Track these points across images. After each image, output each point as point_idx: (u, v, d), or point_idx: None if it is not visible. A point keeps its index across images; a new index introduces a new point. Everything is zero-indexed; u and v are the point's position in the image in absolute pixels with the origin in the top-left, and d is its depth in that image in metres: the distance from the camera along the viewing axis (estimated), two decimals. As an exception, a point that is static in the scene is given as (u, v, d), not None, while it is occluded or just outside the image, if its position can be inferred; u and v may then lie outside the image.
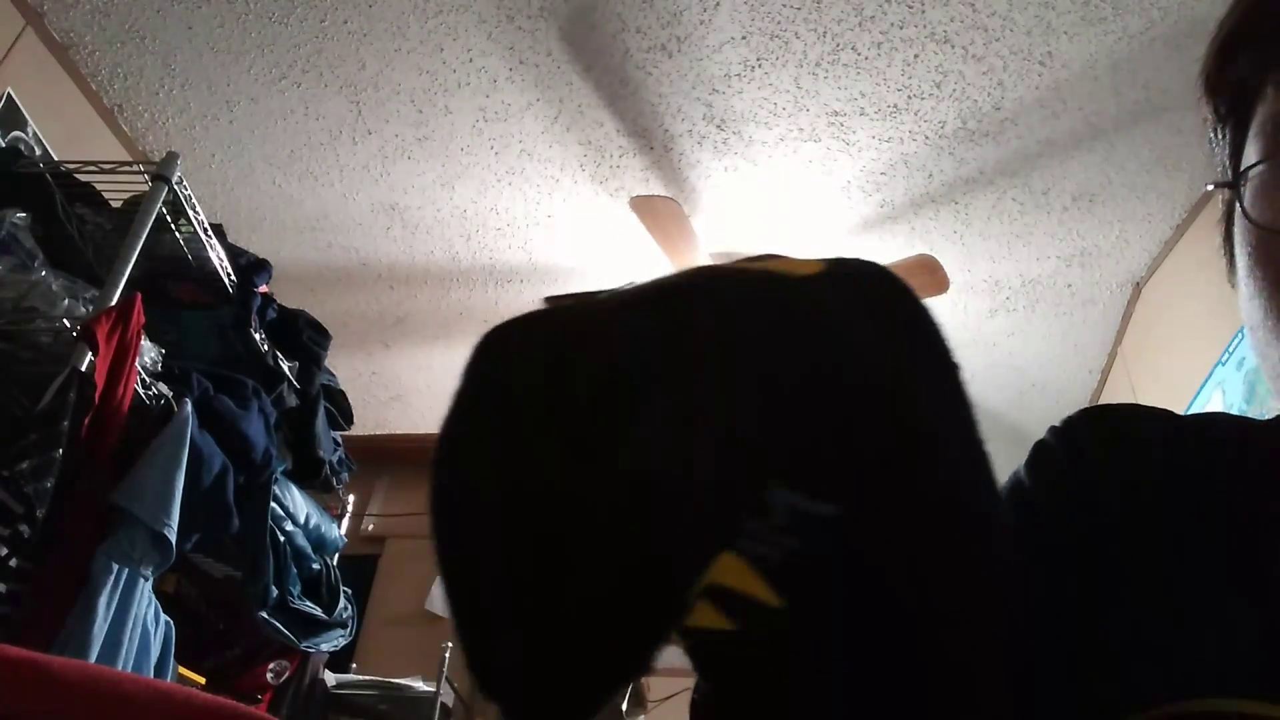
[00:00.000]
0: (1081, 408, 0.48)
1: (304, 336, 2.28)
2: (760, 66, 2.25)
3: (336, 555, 2.35)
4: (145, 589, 1.60)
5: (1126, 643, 0.35)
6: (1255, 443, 0.43)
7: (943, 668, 0.20)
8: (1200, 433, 0.44)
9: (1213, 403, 2.24)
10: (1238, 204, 0.40)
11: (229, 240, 2.16)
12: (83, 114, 2.51)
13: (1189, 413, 0.47)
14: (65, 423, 1.47)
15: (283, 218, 2.91)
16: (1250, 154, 0.40)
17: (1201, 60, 0.44)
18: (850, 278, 0.24)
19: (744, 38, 2.18)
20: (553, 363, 0.23)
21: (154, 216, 1.80)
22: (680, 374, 0.22)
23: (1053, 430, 0.47)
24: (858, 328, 0.22)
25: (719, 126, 2.43)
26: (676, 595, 0.20)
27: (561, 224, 2.82)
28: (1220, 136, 0.44)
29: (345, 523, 2.69)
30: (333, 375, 2.49)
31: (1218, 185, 0.42)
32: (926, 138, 2.39)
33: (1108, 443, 0.44)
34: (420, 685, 3.01)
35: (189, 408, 1.76)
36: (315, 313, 2.42)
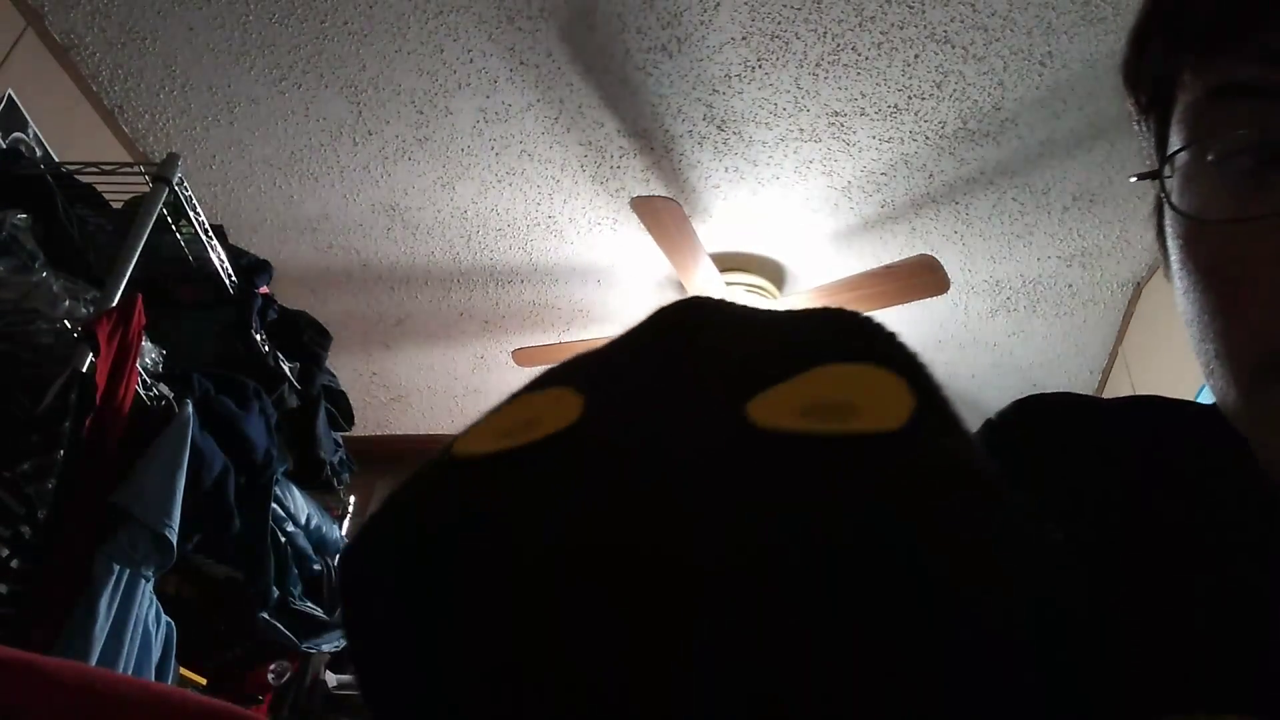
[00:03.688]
0: (1014, 399, 0.46)
1: (305, 337, 2.28)
2: (760, 67, 2.25)
3: (337, 556, 2.35)
4: (146, 590, 1.60)
5: (1116, 655, 0.34)
6: (1194, 427, 0.42)
7: None
8: (1132, 420, 0.43)
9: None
10: (1164, 196, 0.39)
11: (230, 241, 2.16)
12: (83, 115, 2.51)
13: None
14: (66, 424, 1.47)
15: (283, 219, 2.91)
16: (1174, 143, 0.39)
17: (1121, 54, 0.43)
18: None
19: (744, 38, 2.18)
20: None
21: (154, 217, 1.80)
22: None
23: (987, 422, 0.45)
24: None
25: (719, 127, 2.43)
26: None
27: (562, 224, 2.82)
28: (1145, 128, 0.43)
29: (346, 523, 2.70)
30: (333, 376, 2.49)
31: (1141, 176, 0.41)
32: (927, 138, 2.39)
33: (1034, 435, 0.43)
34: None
35: (190, 408, 1.76)
36: (316, 313, 2.42)
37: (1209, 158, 0.36)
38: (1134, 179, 0.41)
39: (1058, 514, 0.36)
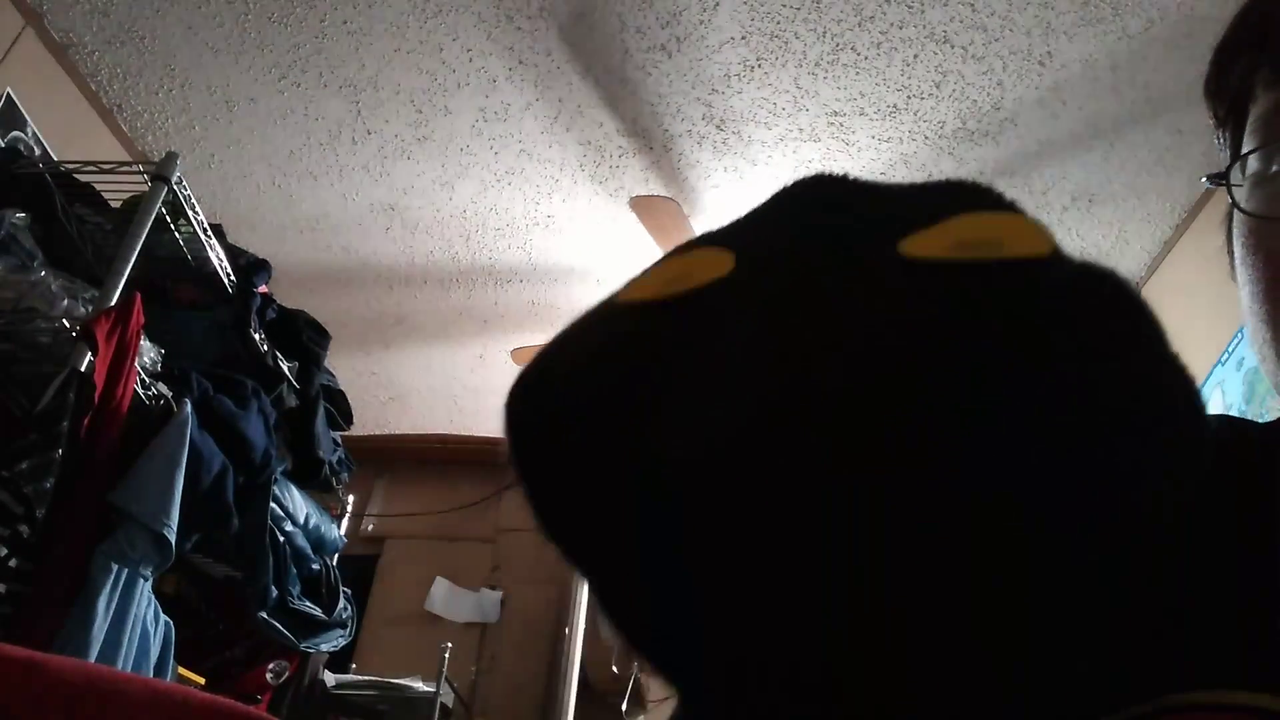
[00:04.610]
0: None
1: (303, 337, 2.28)
2: (760, 66, 2.25)
3: (336, 555, 2.35)
4: (145, 589, 1.60)
5: (1127, 634, 0.35)
6: (1255, 442, 0.43)
7: None
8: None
9: (1212, 402, 2.24)
10: (1230, 197, 0.42)
11: (228, 240, 2.16)
12: (82, 114, 2.51)
13: None
14: (64, 423, 1.47)
15: (282, 218, 2.91)
16: (1244, 150, 0.42)
17: (1203, 62, 0.46)
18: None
19: (744, 38, 2.18)
20: None
21: (153, 216, 1.80)
22: None
23: None
24: None
25: (719, 126, 2.43)
26: None
27: (561, 224, 2.82)
28: (1222, 140, 0.46)
29: (345, 523, 2.69)
30: (332, 375, 2.49)
31: (1210, 179, 0.44)
32: (926, 138, 2.39)
33: None
34: (420, 685, 3.01)
35: (188, 408, 1.76)
36: (315, 313, 2.42)
37: (1275, 167, 0.40)
38: (1204, 179, 0.44)
39: None
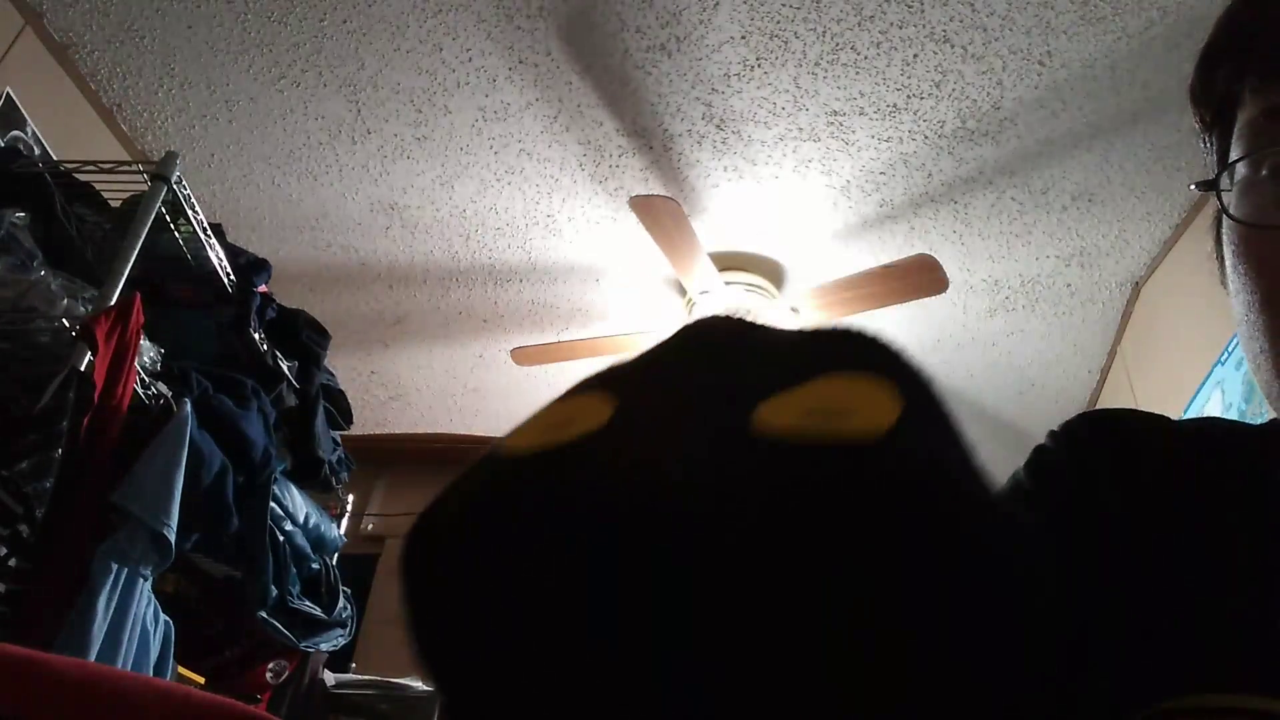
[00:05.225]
0: (1080, 412, 0.49)
1: (303, 336, 2.28)
2: (760, 66, 2.25)
3: (336, 555, 2.35)
4: (145, 589, 1.60)
5: (1128, 640, 0.35)
6: (1250, 446, 0.43)
7: None
8: (1197, 436, 0.45)
9: (1212, 402, 2.24)
10: (1220, 203, 0.42)
11: (228, 240, 2.16)
12: (82, 113, 2.51)
13: (1188, 412, 0.48)
14: (64, 422, 1.47)
15: (282, 217, 2.91)
16: (1233, 157, 0.42)
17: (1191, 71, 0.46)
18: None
19: (743, 37, 2.18)
20: None
21: (153, 216, 1.80)
22: None
23: (1052, 434, 0.48)
24: None
25: (718, 126, 2.43)
26: None
27: (561, 224, 2.82)
28: (1208, 144, 0.46)
29: (345, 522, 2.70)
30: (332, 375, 2.49)
31: (1199, 186, 0.44)
32: (926, 137, 2.39)
33: (1107, 445, 0.44)
34: (420, 685, 3.01)
35: (188, 407, 1.76)
36: (315, 312, 2.42)
37: (1263, 172, 0.40)
38: (1193, 187, 0.44)
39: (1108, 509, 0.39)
